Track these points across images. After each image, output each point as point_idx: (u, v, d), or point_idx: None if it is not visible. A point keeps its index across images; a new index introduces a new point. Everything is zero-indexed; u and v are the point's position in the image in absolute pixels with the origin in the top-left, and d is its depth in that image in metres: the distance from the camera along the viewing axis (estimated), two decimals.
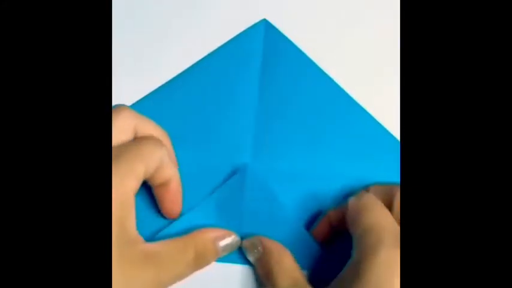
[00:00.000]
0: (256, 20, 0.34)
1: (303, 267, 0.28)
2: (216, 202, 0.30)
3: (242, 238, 0.29)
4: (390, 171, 0.30)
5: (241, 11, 0.34)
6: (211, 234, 0.27)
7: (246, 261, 0.29)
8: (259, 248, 0.28)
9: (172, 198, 0.28)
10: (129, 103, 0.32)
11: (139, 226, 0.25)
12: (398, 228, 0.24)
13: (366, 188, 0.28)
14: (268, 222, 0.29)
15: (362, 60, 0.33)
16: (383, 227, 0.24)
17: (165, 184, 0.28)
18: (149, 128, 0.28)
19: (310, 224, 0.30)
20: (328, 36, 0.34)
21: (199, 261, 0.27)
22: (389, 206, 0.26)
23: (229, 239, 0.28)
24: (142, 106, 0.32)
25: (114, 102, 0.31)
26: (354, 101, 0.32)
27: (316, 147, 0.31)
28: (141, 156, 0.25)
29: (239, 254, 0.29)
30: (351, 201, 0.27)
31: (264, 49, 0.33)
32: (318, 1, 0.35)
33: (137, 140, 0.27)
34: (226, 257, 0.28)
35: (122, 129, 0.26)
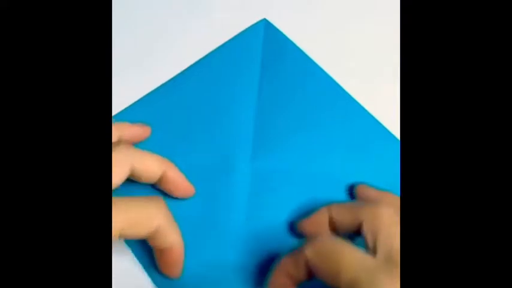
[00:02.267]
0: (256, 20, 0.34)
1: None
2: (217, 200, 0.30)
3: (243, 238, 0.29)
4: (390, 170, 0.30)
5: (241, 11, 0.34)
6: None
7: None
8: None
9: (173, 263, 0.26)
10: (128, 103, 0.32)
11: None
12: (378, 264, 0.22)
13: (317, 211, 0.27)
14: (269, 224, 0.29)
15: (362, 60, 0.33)
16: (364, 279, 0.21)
17: (165, 250, 0.26)
18: (147, 163, 0.27)
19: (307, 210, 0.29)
20: (328, 36, 0.34)
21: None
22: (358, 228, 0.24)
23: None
24: (142, 106, 0.32)
25: (114, 102, 0.31)
26: (353, 100, 0.32)
27: (315, 146, 0.31)
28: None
29: None
30: (308, 251, 0.23)
31: (264, 48, 0.33)
32: (317, 1, 0.35)
33: (135, 201, 0.25)
34: None
35: (117, 167, 0.25)
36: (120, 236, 0.23)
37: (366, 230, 0.24)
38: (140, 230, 0.24)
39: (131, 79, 0.32)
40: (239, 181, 0.30)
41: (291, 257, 0.24)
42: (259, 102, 0.32)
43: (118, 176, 0.25)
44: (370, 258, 0.22)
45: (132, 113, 0.32)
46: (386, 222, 0.23)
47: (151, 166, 0.27)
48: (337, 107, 0.32)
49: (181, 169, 0.29)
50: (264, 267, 0.28)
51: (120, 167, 0.25)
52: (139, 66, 0.33)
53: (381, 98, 0.32)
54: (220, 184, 0.30)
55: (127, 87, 0.32)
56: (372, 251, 0.23)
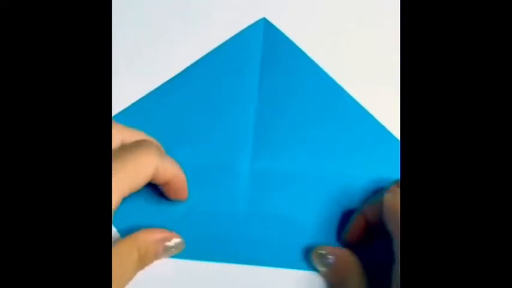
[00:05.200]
0: (256, 19, 0.34)
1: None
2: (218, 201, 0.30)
3: (245, 238, 0.29)
4: (390, 169, 0.30)
5: (241, 10, 0.34)
6: (154, 235, 0.27)
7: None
8: (329, 257, 0.27)
9: (179, 189, 0.28)
10: (128, 102, 0.32)
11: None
12: None
13: (396, 182, 0.27)
14: (271, 221, 0.29)
15: (361, 59, 0.33)
16: None
17: (168, 182, 0.27)
18: (167, 166, 0.27)
19: (310, 224, 0.30)
20: (328, 35, 0.34)
21: (143, 262, 0.26)
22: None
23: (172, 242, 0.27)
24: (142, 105, 0.32)
25: (115, 101, 0.31)
26: (353, 100, 0.32)
27: (315, 145, 0.31)
28: (126, 171, 0.24)
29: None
30: (387, 196, 0.25)
31: (264, 48, 0.33)
32: (317, 0, 0.34)
33: (127, 148, 0.25)
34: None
35: (145, 167, 0.25)
36: (123, 196, 0.24)
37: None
38: (140, 181, 0.25)
39: (131, 79, 0.32)
40: (239, 182, 0.30)
41: (370, 207, 0.27)
42: (258, 101, 0.32)
43: (143, 178, 0.25)
44: None
45: (132, 112, 0.32)
46: None
47: (168, 170, 0.26)
48: (337, 107, 0.32)
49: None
50: (264, 270, 0.28)
51: (147, 168, 0.25)
52: (139, 65, 0.33)
53: (381, 98, 0.32)
54: (220, 185, 0.30)
55: (127, 87, 0.32)
56: None
